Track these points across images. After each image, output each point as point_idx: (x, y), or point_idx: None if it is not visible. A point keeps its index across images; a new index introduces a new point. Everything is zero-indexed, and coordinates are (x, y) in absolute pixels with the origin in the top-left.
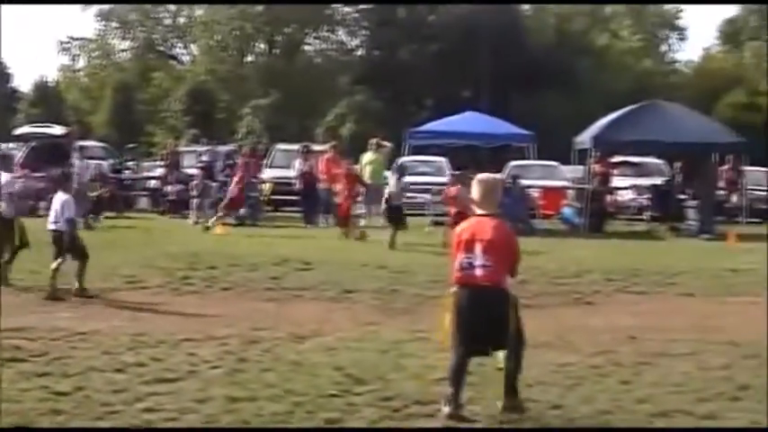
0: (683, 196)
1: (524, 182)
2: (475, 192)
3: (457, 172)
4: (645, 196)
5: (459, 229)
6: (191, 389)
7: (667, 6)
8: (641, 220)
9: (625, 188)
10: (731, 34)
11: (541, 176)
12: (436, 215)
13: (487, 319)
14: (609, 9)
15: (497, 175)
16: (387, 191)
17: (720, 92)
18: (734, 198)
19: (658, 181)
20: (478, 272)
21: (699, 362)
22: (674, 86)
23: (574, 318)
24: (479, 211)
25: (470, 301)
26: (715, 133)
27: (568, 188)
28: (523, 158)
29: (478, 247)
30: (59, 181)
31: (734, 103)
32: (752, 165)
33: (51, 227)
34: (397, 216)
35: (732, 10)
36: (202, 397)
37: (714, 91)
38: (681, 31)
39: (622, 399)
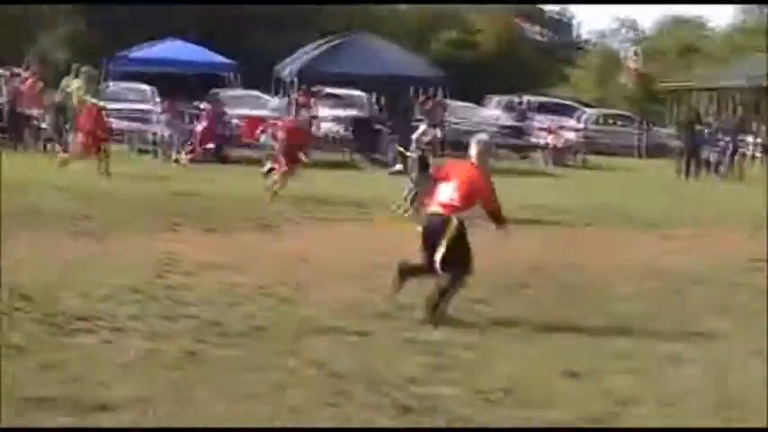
0: (381, 127)
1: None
2: (473, 149)
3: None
4: (345, 127)
5: (448, 166)
6: None
7: None
8: (341, 151)
9: (326, 120)
10: None
11: (245, 106)
12: (143, 143)
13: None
14: None
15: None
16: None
17: (434, 29)
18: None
19: (359, 113)
20: (446, 200)
21: (365, 283)
22: (388, 20)
23: (255, 242)
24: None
25: (432, 224)
26: (415, 67)
27: (270, 118)
28: (227, 87)
29: (454, 183)
30: None
31: (449, 39)
32: (460, 100)
33: None
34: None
35: None
36: None
37: (429, 27)
38: None
39: (282, 317)
